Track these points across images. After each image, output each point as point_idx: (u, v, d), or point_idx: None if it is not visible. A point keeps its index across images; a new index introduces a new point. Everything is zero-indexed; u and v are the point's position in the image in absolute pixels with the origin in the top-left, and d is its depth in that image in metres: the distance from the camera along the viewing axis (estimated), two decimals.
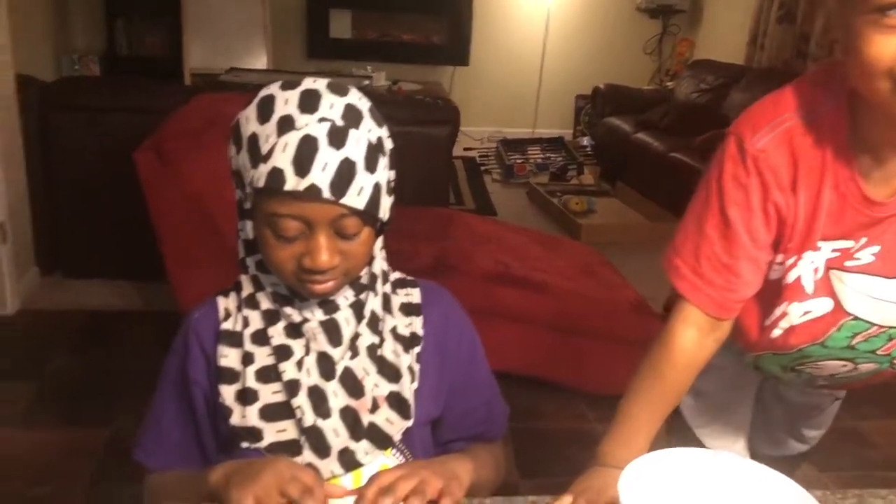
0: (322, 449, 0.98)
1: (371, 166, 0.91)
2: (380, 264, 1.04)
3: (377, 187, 0.92)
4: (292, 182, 0.87)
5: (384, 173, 0.94)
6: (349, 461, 0.99)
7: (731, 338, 1.15)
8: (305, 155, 0.87)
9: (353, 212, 0.91)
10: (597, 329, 2.84)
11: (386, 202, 0.95)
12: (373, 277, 1.03)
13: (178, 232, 2.60)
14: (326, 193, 0.87)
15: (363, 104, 0.94)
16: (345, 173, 0.88)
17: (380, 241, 1.03)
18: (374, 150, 0.92)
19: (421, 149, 3.41)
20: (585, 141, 6.32)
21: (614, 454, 1.07)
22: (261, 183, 0.89)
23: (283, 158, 0.87)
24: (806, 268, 1.05)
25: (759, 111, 1.04)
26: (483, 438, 1.15)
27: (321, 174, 0.87)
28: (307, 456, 0.98)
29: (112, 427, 2.51)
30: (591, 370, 2.87)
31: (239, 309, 1.01)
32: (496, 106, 6.78)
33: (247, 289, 1.02)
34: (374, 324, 1.02)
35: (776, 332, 1.12)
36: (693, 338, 1.09)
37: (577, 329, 2.85)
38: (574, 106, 6.72)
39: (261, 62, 5.88)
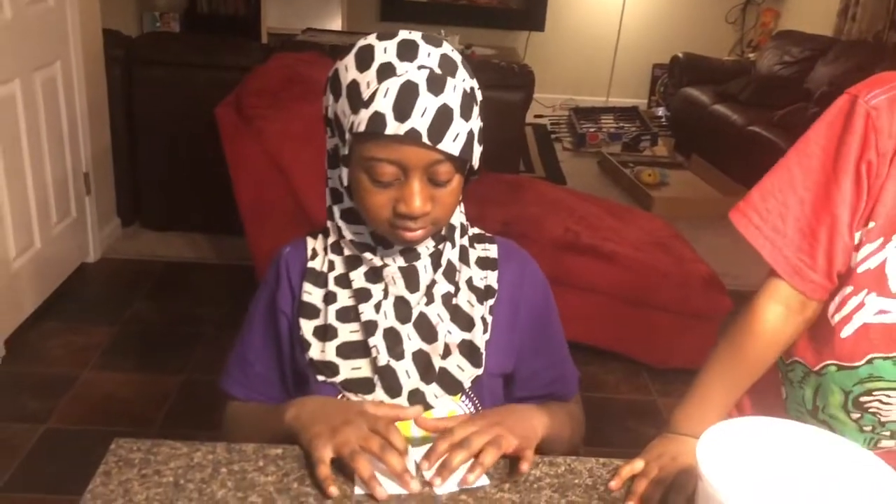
0: (394, 388, 1.02)
1: (466, 114, 0.93)
2: (459, 217, 1.07)
3: (471, 135, 0.94)
4: (393, 126, 0.90)
5: (476, 122, 0.96)
6: (419, 402, 1.03)
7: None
8: (406, 100, 0.89)
9: (448, 158, 0.93)
10: (665, 302, 2.81)
11: (477, 151, 0.97)
12: (451, 229, 1.06)
13: (255, 187, 2.65)
14: (425, 138, 0.90)
15: (456, 55, 0.96)
16: (442, 119, 0.90)
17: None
18: (468, 99, 0.94)
19: (493, 113, 3.34)
20: (661, 111, 6.19)
21: (687, 423, 1.06)
22: (361, 127, 0.91)
23: (384, 103, 0.90)
24: (893, 254, 0.96)
25: (883, 76, 0.98)
26: (554, 398, 1.16)
27: (420, 119, 0.89)
28: (379, 394, 1.02)
29: (185, 374, 2.60)
30: (656, 343, 2.85)
31: (325, 252, 1.06)
32: (570, 73, 6.67)
33: (332, 235, 1.06)
34: (451, 274, 1.06)
35: (847, 331, 1.00)
36: (778, 314, 1.03)
37: (646, 301, 2.82)
38: (650, 75, 6.57)
39: (335, 23, 5.91)
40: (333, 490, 0.89)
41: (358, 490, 0.91)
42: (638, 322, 2.84)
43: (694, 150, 5.26)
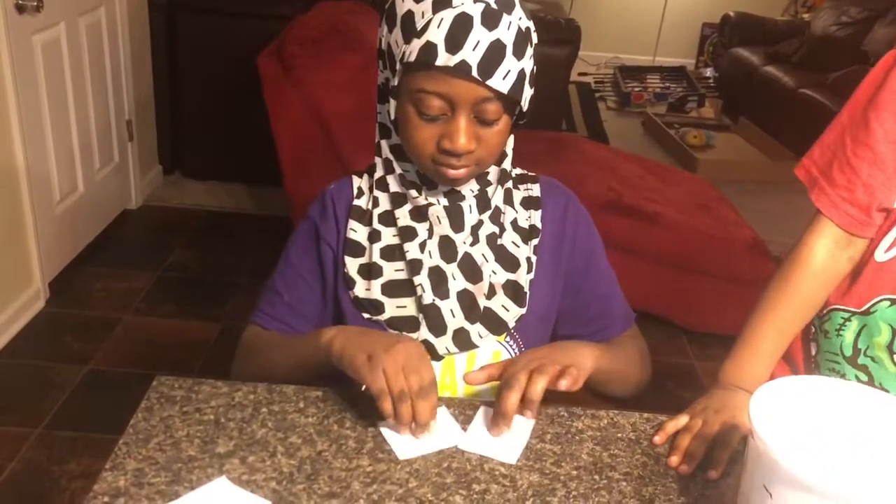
0: (438, 327, 1.02)
1: (519, 53, 0.90)
2: (508, 163, 1.05)
3: (522, 74, 0.92)
4: (444, 57, 0.88)
5: (529, 63, 0.94)
6: (463, 341, 1.03)
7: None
8: (459, 32, 0.87)
9: (497, 95, 0.91)
10: (708, 266, 2.76)
11: (528, 92, 0.95)
12: (501, 174, 1.04)
13: (296, 138, 2.64)
14: (475, 72, 0.88)
15: None
16: (495, 54, 0.88)
17: (511, 140, 1.03)
18: (523, 38, 0.91)
19: (537, 69, 3.29)
20: (709, 72, 6.04)
21: (737, 373, 1.05)
22: (412, 57, 0.90)
23: (437, 34, 0.88)
24: None
25: None
26: (602, 335, 1.13)
27: (472, 53, 0.88)
28: (423, 332, 1.02)
29: (223, 322, 2.62)
30: (697, 307, 2.80)
31: (371, 189, 1.05)
32: (616, 31, 6.52)
33: (378, 171, 1.05)
34: (496, 215, 1.05)
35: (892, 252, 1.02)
36: (827, 248, 1.05)
37: (688, 264, 2.77)
38: (699, 34, 6.40)
39: None
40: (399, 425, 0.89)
41: (384, 428, 0.91)
42: (679, 285, 2.80)
43: (742, 113, 5.14)
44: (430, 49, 0.88)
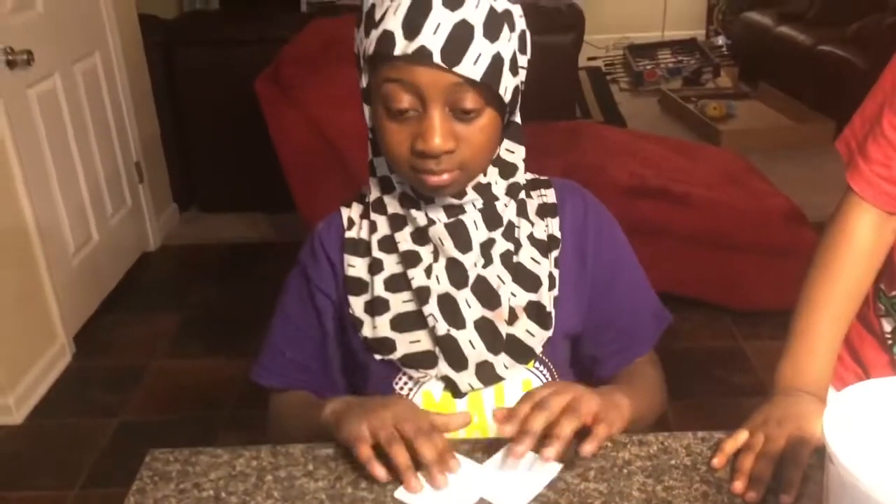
0: (458, 361, 0.92)
1: (492, 34, 0.81)
2: (521, 176, 0.95)
3: (498, 59, 0.82)
4: (401, 45, 0.80)
5: (508, 46, 0.83)
6: (488, 375, 0.93)
7: None
8: (416, 15, 0.79)
9: (470, 83, 0.81)
10: (745, 241, 2.64)
11: (509, 80, 0.84)
12: (511, 188, 0.94)
13: (301, 159, 2.58)
14: (437, 58, 0.79)
15: None
16: (459, 37, 0.79)
17: (519, 149, 0.93)
18: (496, 18, 0.82)
19: (543, 59, 3.19)
20: (721, 40, 5.90)
21: (794, 376, 0.94)
22: (371, 49, 0.82)
23: (393, 21, 0.80)
24: None
25: None
26: (627, 353, 1.03)
27: (432, 37, 0.79)
28: (443, 368, 0.92)
29: (251, 356, 2.56)
30: (738, 285, 2.68)
31: (365, 216, 0.96)
32: (621, 10, 6.39)
33: (374, 192, 0.95)
34: (510, 231, 0.94)
35: None
36: (869, 223, 0.97)
37: (723, 242, 2.66)
38: (706, 3, 6.27)
39: None
40: (380, 471, 0.79)
41: (398, 493, 0.80)
42: (717, 264, 2.68)
43: (760, 78, 4.99)
44: (386, 38, 0.80)
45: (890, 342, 1.03)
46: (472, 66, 0.80)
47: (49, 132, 2.53)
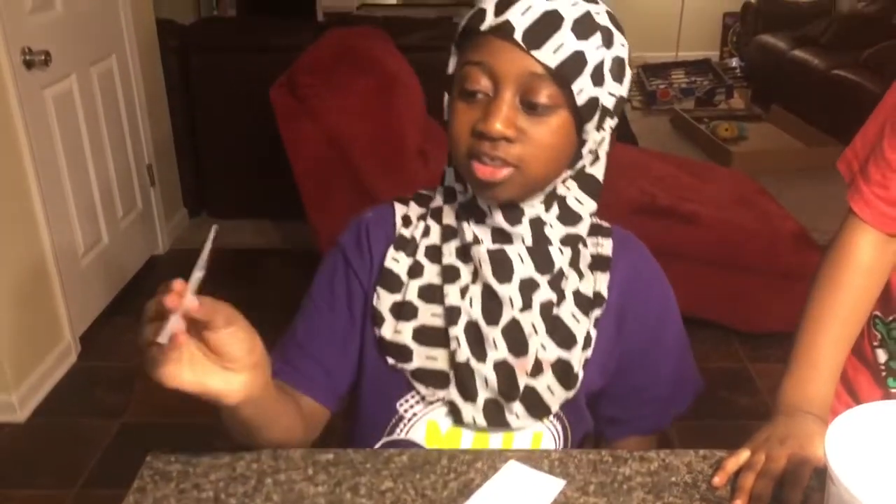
0: (468, 393, 0.89)
1: (580, 33, 0.80)
2: (585, 227, 0.90)
3: (580, 56, 0.79)
4: (489, 20, 0.80)
5: (597, 53, 0.81)
6: (494, 417, 0.90)
7: None
8: None
9: (545, 76, 0.79)
10: (753, 263, 2.64)
11: (587, 84, 0.80)
12: (570, 238, 0.90)
13: (314, 168, 2.58)
14: (518, 34, 0.78)
15: None
16: (547, 23, 0.79)
17: (589, 203, 0.90)
18: (592, 23, 0.81)
19: None
20: (734, 62, 5.91)
21: (796, 395, 0.94)
22: (462, 23, 0.84)
23: (489, 1, 0.82)
24: None
25: None
26: (654, 419, 1.01)
27: (520, 17, 0.79)
28: (452, 392, 0.90)
29: None
30: (745, 307, 2.68)
31: (425, 217, 0.94)
32: (636, 29, 6.37)
33: (437, 200, 0.94)
34: (557, 279, 0.89)
35: None
36: (871, 242, 0.97)
37: (731, 263, 2.65)
38: (721, 24, 6.28)
39: None
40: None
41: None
42: (724, 285, 2.67)
43: (773, 101, 4.99)
44: (478, 14, 0.81)
45: (884, 374, 1.03)
46: (552, 53, 0.78)
47: (63, 133, 2.54)
